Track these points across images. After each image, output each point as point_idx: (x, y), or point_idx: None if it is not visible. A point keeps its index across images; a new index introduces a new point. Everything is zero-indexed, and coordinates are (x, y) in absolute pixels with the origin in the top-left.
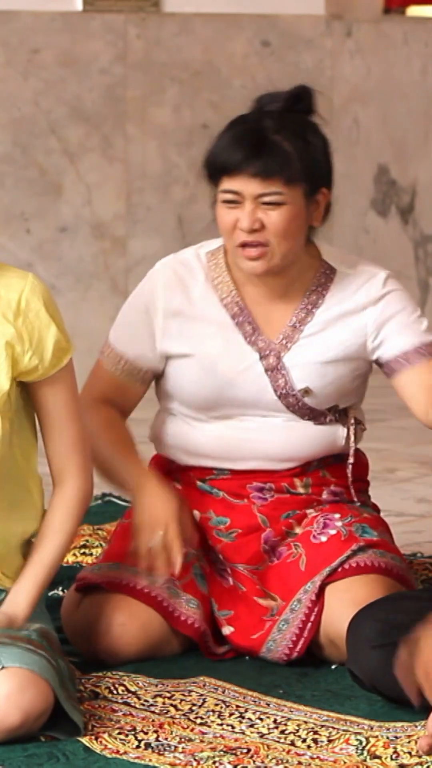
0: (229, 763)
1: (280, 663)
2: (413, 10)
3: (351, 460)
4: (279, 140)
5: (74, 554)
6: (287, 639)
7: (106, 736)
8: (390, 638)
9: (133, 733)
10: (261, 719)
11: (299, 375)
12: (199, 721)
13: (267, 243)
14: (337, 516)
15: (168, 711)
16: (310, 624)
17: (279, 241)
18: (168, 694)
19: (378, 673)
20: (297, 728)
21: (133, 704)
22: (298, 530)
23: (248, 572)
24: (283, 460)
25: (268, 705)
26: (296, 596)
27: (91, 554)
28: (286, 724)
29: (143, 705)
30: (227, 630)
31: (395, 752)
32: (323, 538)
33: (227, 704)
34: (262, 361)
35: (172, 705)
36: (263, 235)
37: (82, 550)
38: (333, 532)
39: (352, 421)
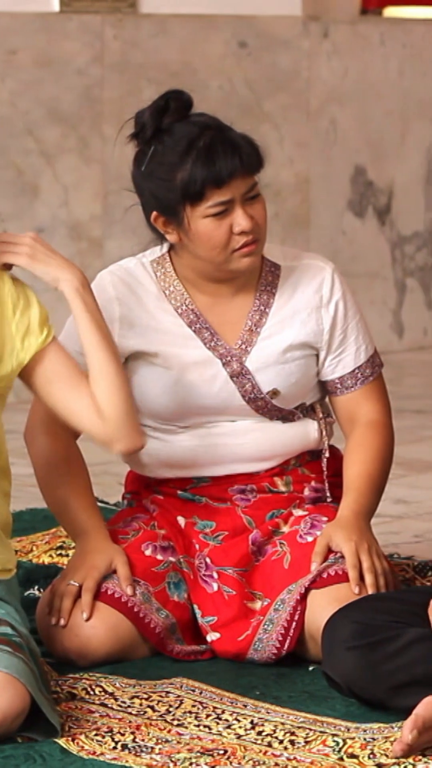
0: (206, 764)
1: (263, 663)
2: (390, 11)
3: (326, 454)
4: (236, 135)
5: (51, 555)
6: (273, 639)
7: (82, 737)
8: (365, 639)
9: (109, 734)
10: (238, 720)
11: (264, 378)
12: (176, 722)
13: (258, 236)
14: (324, 519)
15: (145, 712)
16: (295, 623)
17: (263, 230)
18: (145, 696)
19: (353, 674)
20: (274, 729)
21: (110, 705)
22: (285, 529)
23: (237, 575)
24: (259, 461)
25: (245, 706)
26: (280, 596)
27: (67, 555)
28: (263, 726)
29: (120, 706)
30: (212, 636)
31: (372, 753)
32: (309, 539)
33: (204, 705)
34: (225, 368)
35: (149, 706)
36: (255, 229)
37: (59, 551)
38: (319, 533)
39: (321, 415)
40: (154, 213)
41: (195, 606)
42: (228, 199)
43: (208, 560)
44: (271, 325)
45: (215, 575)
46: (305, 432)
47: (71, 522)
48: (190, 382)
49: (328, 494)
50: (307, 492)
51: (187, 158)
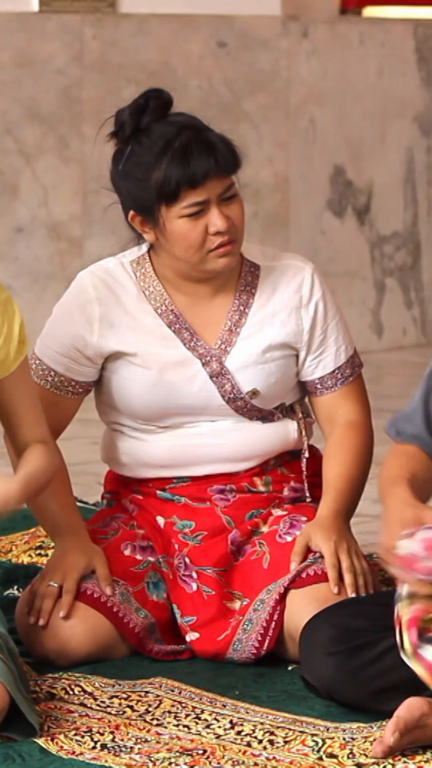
0: (185, 764)
1: (242, 663)
2: (369, 11)
3: (306, 454)
4: (213, 135)
5: (30, 555)
6: (253, 639)
7: (62, 737)
8: (345, 644)
9: (89, 734)
10: (217, 720)
11: (244, 378)
12: (155, 722)
13: (234, 236)
14: (304, 519)
15: (124, 712)
16: (274, 623)
17: (240, 231)
18: (124, 695)
19: (333, 680)
20: (253, 729)
21: (89, 705)
22: (264, 528)
23: (216, 575)
24: (239, 461)
25: (225, 706)
26: (259, 596)
27: (46, 555)
28: (242, 725)
29: (99, 706)
30: (191, 636)
31: (351, 753)
32: (288, 538)
33: (183, 705)
34: (205, 368)
35: (128, 706)
36: (231, 230)
37: (38, 551)
38: (299, 533)
39: (300, 415)
40: (131, 212)
41: (174, 606)
42: (203, 200)
43: (187, 560)
44: (250, 325)
45: (194, 575)
46: (285, 432)
47: (50, 521)
48: (169, 382)
49: (307, 494)
50: (286, 492)
51: (162, 158)
